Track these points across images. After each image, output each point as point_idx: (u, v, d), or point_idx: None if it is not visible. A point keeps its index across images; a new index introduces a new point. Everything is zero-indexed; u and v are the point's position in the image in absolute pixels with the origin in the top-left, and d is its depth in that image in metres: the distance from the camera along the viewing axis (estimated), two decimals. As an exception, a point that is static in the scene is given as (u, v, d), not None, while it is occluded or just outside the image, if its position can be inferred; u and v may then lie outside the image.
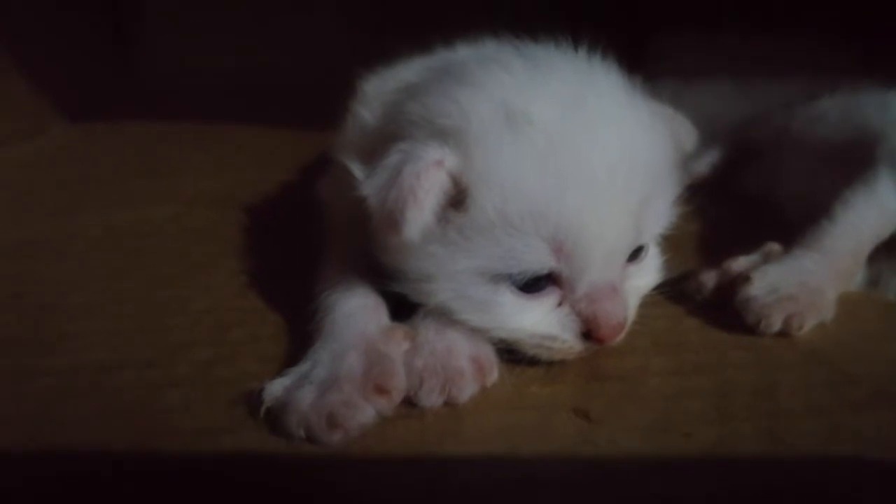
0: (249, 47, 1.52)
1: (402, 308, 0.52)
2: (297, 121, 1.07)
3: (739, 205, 0.82)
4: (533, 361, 0.51)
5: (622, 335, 0.50)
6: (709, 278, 0.60)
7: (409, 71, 0.59)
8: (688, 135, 0.57)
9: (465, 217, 0.46)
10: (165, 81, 1.51)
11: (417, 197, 0.44)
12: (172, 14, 1.56)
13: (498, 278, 0.48)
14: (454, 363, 0.48)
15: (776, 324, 0.54)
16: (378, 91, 0.59)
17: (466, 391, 0.48)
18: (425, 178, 0.45)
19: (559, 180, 0.46)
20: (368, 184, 0.47)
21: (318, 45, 1.43)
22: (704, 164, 0.88)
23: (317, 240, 0.62)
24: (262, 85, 1.42)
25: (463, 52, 0.60)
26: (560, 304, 0.49)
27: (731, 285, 0.58)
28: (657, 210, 0.52)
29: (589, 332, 0.49)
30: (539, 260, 0.47)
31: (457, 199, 0.46)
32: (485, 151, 0.46)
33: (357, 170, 0.49)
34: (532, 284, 0.48)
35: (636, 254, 0.52)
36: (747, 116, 0.92)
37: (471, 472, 0.43)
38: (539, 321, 0.49)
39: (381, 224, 0.46)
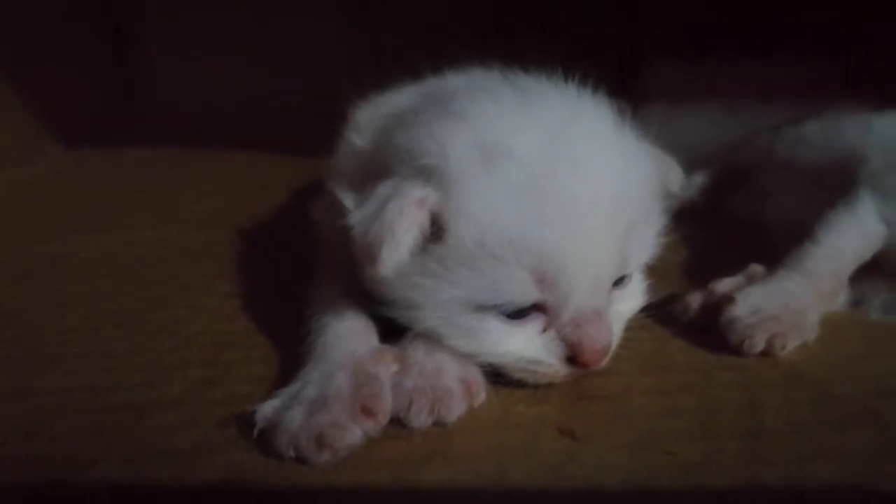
0: (246, 73, 1.54)
1: (393, 331, 0.53)
2: (292, 145, 1.09)
3: (726, 228, 0.84)
4: (520, 383, 0.51)
5: (607, 359, 0.51)
6: (694, 300, 0.61)
7: (399, 99, 0.60)
8: (675, 176, 0.57)
9: (445, 249, 0.47)
10: (161, 106, 1.53)
11: (395, 234, 0.45)
12: (170, 40, 1.58)
13: (483, 307, 0.49)
14: (443, 383, 0.49)
15: (759, 344, 0.55)
16: (369, 118, 0.60)
17: (455, 411, 0.48)
18: (406, 216, 0.46)
19: (539, 211, 0.46)
20: (355, 215, 0.48)
21: (314, 70, 1.45)
22: (692, 188, 0.90)
23: (309, 262, 0.63)
24: (258, 110, 1.43)
25: (453, 80, 0.61)
26: (545, 330, 0.50)
27: (716, 306, 0.59)
28: (642, 240, 0.53)
29: (574, 357, 0.50)
30: (522, 292, 0.48)
31: (436, 231, 0.47)
32: (462, 186, 0.47)
33: (348, 200, 0.50)
34: (517, 312, 0.49)
35: (621, 279, 0.53)
36: (735, 140, 0.93)
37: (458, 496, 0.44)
38: (525, 346, 0.50)
39: (360, 256, 0.47)
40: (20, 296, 0.70)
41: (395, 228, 0.45)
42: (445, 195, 0.47)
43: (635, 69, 1.28)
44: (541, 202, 0.46)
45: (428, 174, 0.47)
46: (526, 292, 0.48)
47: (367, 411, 0.46)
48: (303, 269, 0.63)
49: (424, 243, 0.47)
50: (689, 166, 0.89)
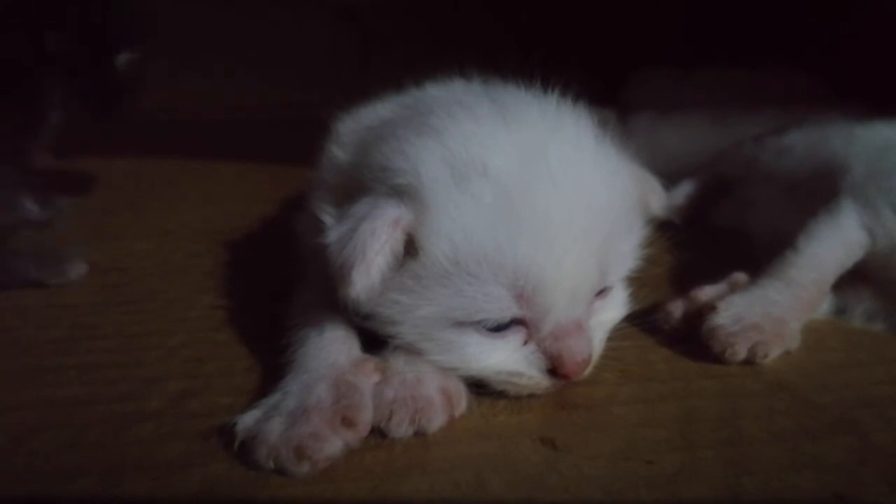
0: (234, 84, 1.54)
1: (375, 341, 0.53)
2: (281, 155, 1.09)
3: (711, 236, 0.84)
4: (502, 393, 0.51)
5: (588, 370, 0.51)
6: (676, 308, 0.61)
7: (379, 112, 0.61)
8: (656, 196, 0.57)
9: (420, 267, 0.47)
10: (148, 117, 1.52)
11: (367, 257, 0.45)
12: (157, 51, 1.58)
13: (462, 323, 0.48)
14: (424, 393, 0.49)
15: (741, 352, 0.56)
16: (350, 131, 0.60)
17: (436, 421, 0.48)
18: (379, 237, 0.46)
19: (514, 228, 0.46)
20: (331, 233, 0.48)
21: (304, 80, 1.45)
22: (679, 196, 0.90)
23: (293, 273, 0.63)
24: (247, 120, 1.44)
25: (433, 92, 0.61)
26: (526, 343, 0.50)
27: (699, 315, 0.59)
28: (622, 252, 0.53)
29: (555, 369, 0.49)
30: (500, 308, 0.48)
31: (411, 250, 0.47)
32: (435, 205, 0.46)
33: (326, 216, 0.50)
34: (497, 326, 0.49)
35: (602, 290, 0.53)
36: (721, 149, 0.94)
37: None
38: (505, 360, 0.50)
39: (334, 275, 0.47)
40: (3, 308, 0.70)
41: (367, 251, 0.45)
42: (420, 214, 0.47)
43: (624, 77, 1.29)
44: (516, 219, 0.46)
45: (402, 193, 0.47)
46: (504, 308, 0.48)
47: (348, 422, 0.46)
48: (287, 280, 0.62)
49: (401, 261, 0.47)
50: (675, 175, 0.90)
